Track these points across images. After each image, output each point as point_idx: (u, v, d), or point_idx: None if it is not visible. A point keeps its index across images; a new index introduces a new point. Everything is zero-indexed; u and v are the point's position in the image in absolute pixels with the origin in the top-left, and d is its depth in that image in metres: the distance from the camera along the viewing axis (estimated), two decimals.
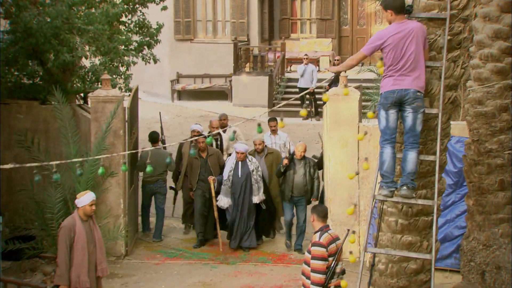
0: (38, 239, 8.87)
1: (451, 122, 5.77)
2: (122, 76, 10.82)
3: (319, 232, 6.45)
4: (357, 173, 7.65)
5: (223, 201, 9.47)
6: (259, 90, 19.15)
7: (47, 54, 10.02)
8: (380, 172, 5.31)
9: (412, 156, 5.13)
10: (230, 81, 20.23)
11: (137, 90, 10.08)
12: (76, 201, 6.71)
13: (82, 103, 10.93)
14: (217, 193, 9.52)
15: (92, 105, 9.39)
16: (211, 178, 9.46)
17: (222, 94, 20.81)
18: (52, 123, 10.08)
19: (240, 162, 9.43)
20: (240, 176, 9.39)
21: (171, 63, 20.83)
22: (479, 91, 6.44)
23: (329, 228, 6.58)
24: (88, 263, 6.64)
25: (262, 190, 9.50)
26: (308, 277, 6.46)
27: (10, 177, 9.84)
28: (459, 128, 7.99)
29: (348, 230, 7.02)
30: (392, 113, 5.30)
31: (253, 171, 9.42)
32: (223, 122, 11.06)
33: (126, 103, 9.65)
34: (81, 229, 6.60)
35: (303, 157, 9.44)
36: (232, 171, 9.42)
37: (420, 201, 5.18)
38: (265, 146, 10.00)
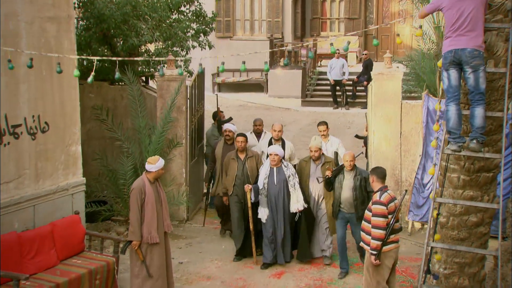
0: (112, 203, 8.87)
1: None
2: (183, 59, 10.77)
3: (379, 192, 6.35)
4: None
5: (262, 213, 7.71)
6: (292, 82, 19.04)
7: (116, 39, 10.02)
8: (447, 129, 5.14)
9: (479, 111, 4.93)
10: (266, 74, 20.11)
11: (202, 78, 10.04)
12: (150, 166, 6.62)
13: (144, 84, 10.92)
14: (256, 204, 7.77)
15: (158, 83, 9.37)
16: (247, 187, 7.68)
17: (258, 86, 20.73)
18: (119, 101, 10.11)
19: (275, 168, 7.71)
20: (276, 183, 7.64)
21: (213, 59, 20.74)
22: None
23: (388, 189, 6.47)
24: (157, 220, 6.63)
25: (301, 198, 7.68)
26: (368, 233, 6.36)
27: (83, 150, 9.84)
28: None
29: (406, 190, 6.89)
30: (453, 72, 5.11)
31: (289, 177, 7.67)
32: (258, 128, 9.00)
33: (188, 83, 9.59)
34: (150, 190, 6.59)
35: (354, 168, 7.41)
36: (267, 179, 7.70)
37: (487, 155, 5.00)
38: (322, 153, 7.95)
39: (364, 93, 17.55)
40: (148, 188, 6.58)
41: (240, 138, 8.09)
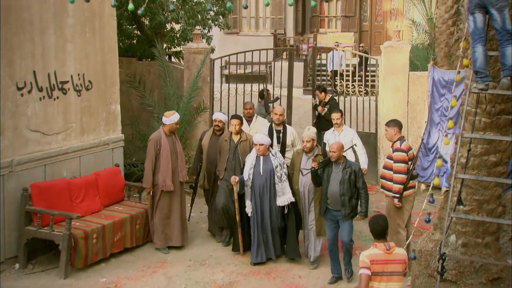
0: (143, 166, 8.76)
1: None
2: (205, 37, 10.70)
3: (399, 141, 6.34)
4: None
5: (249, 206, 6.51)
6: (295, 73, 18.90)
7: (144, 18, 9.93)
8: (474, 70, 5.05)
9: (509, 50, 4.82)
10: (270, 66, 20.06)
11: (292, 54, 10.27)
12: (164, 119, 6.63)
13: (168, 60, 10.87)
14: (241, 196, 6.59)
15: (185, 56, 9.32)
16: (234, 180, 6.52)
17: (263, 78, 20.64)
18: (147, 76, 10.02)
19: (261, 158, 6.49)
20: (262, 173, 6.42)
21: (220, 53, 20.56)
22: None
23: (405, 139, 6.45)
24: (172, 170, 6.61)
25: (289, 190, 6.45)
26: (388, 179, 6.34)
27: None
28: None
29: (422, 140, 6.84)
30: (478, 15, 4.97)
31: (276, 167, 6.43)
32: (249, 111, 7.76)
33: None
34: (166, 142, 6.59)
35: (343, 160, 6.10)
36: (253, 169, 6.47)
37: None
38: (316, 145, 6.61)
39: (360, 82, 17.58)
40: (164, 140, 6.56)
41: (234, 121, 6.89)
